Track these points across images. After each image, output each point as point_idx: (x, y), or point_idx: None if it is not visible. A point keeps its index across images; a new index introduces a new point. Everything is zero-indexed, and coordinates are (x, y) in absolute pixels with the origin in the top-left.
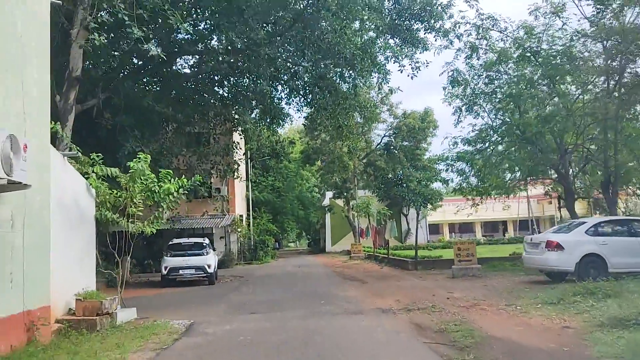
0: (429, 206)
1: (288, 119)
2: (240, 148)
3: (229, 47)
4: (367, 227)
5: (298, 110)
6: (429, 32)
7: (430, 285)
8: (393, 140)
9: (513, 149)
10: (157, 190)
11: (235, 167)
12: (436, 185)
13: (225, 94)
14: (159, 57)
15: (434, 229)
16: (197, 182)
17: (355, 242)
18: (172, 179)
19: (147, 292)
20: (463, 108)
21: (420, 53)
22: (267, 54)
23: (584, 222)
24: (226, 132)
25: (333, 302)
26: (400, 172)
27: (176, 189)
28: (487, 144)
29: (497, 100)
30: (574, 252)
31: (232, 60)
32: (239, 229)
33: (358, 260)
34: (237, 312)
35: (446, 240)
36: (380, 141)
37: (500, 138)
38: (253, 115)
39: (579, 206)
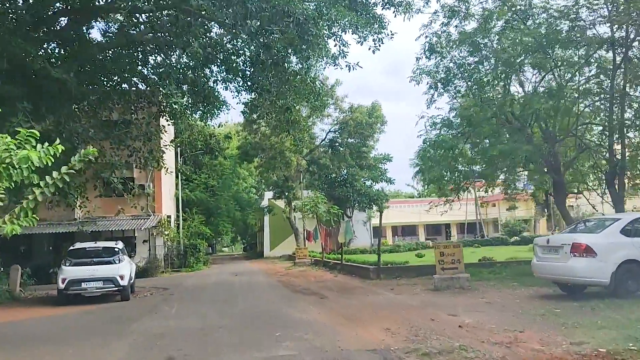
0: (375, 208)
1: (225, 107)
2: (166, 131)
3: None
4: (316, 229)
5: (237, 94)
6: (388, 8)
7: (414, 302)
8: (339, 136)
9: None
10: (14, 164)
11: (160, 155)
12: (381, 185)
13: (150, 74)
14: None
15: (376, 231)
16: (89, 157)
17: (299, 246)
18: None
19: (38, 312)
20: (439, 84)
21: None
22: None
23: (617, 219)
24: (151, 116)
25: (293, 333)
26: (345, 171)
27: (44, 159)
28: (474, 128)
29: (482, 75)
30: (609, 258)
31: (158, 34)
32: (166, 232)
33: (304, 266)
34: (144, 357)
35: (390, 244)
36: (325, 137)
37: (492, 117)
38: (184, 101)
39: (523, 207)
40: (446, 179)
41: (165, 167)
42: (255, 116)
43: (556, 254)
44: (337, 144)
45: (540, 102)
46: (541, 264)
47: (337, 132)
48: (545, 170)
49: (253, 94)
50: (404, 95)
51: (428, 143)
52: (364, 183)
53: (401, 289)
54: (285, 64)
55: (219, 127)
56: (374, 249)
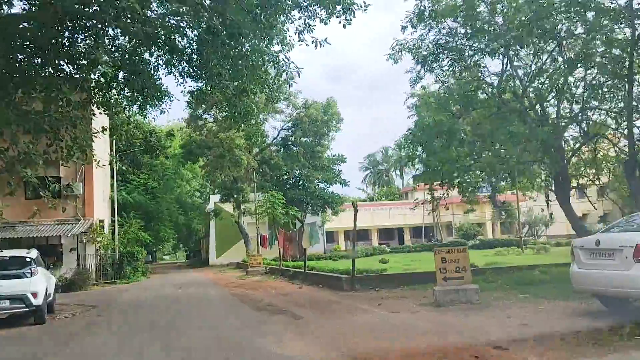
0: (329, 211)
1: (167, 97)
2: (96, 115)
3: None
4: (272, 233)
5: (182, 81)
6: None
7: (422, 324)
8: (292, 134)
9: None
10: None
11: (87, 143)
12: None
13: (80, 57)
14: None
15: (329, 236)
16: None
17: (250, 252)
18: None
19: None
20: (429, 58)
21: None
22: None
23: None
24: (78, 105)
25: None
26: (298, 171)
27: None
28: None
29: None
30: None
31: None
32: (98, 239)
33: (258, 276)
34: None
35: (342, 249)
36: (277, 135)
37: (489, 98)
38: (118, 91)
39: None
40: (455, 174)
41: (95, 160)
42: (201, 110)
43: (610, 259)
44: (290, 143)
45: (546, 80)
46: (586, 272)
47: (290, 130)
48: (547, 161)
49: (200, 81)
50: (348, 100)
51: (418, 127)
52: (318, 185)
53: (391, 305)
54: (242, 39)
55: (158, 108)
56: (329, 254)
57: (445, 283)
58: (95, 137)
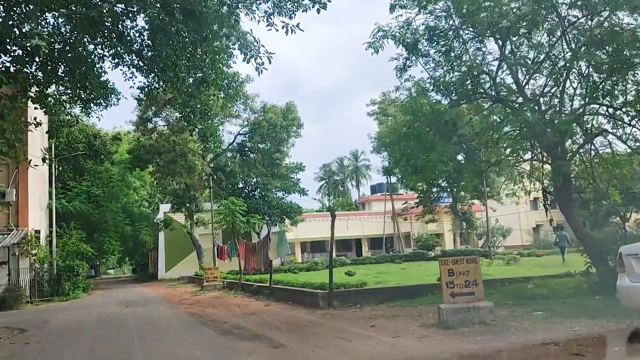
0: (287, 221)
1: (113, 95)
2: (30, 108)
3: None
4: (231, 244)
5: (130, 76)
6: None
7: (438, 353)
8: (248, 140)
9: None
10: None
11: (17, 138)
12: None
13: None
14: None
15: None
16: None
17: (202, 266)
18: None
19: None
20: (423, 39)
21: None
22: None
23: None
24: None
25: None
26: (255, 179)
27: None
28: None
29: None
30: None
31: None
32: (33, 251)
33: (215, 291)
34: None
35: (298, 261)
36: (233, 140)
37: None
38: (58, 88)
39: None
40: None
41: (27, 160)
42: (151, 113)
43: None
44: (246, 149)
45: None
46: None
47: (247, 136)
48: (549, 161)
49: (151, 76)
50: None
51: (412, 116)
52: (275, 194)
53: (387, 327)
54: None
55: (104, 107)
56: (286, 267)
57: (453, 300)
58: (28, 130)
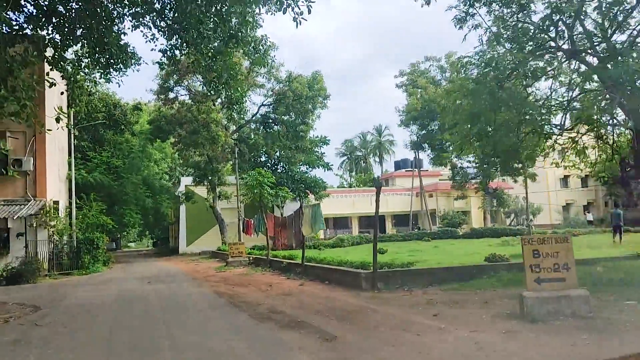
0: (312, 196)
1: (134, 60)
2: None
3: None
4: (259, 218)
5: (151, 37)
6: None
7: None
8: (272, 111)
9: None
10: None
11: (29, 96)
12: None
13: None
14: None
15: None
16: None
17: (226, 240)
18: None
19: None
20: None
21: None
22: None
23: None
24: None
25: None
26: (278, 152)
27: None
28: None
29: None
30: None
31: None
32: (52, 223)
33: (241, 267)
34: None
35: (321, 238)
36: (257, 112)
37: None
38: (77, 51)
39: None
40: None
41: (40, 124)
42: (172, 81)
43: None
44: (270, 121)
45: None
46: None
47: (271, 107)
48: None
49: (175, 38)
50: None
51: (485, 68)
52: (299, 168)
53: (455, 316)
54: None
55: (123, 73)
56: (310, 244)
57: (539, 287)
58: (43, 91)
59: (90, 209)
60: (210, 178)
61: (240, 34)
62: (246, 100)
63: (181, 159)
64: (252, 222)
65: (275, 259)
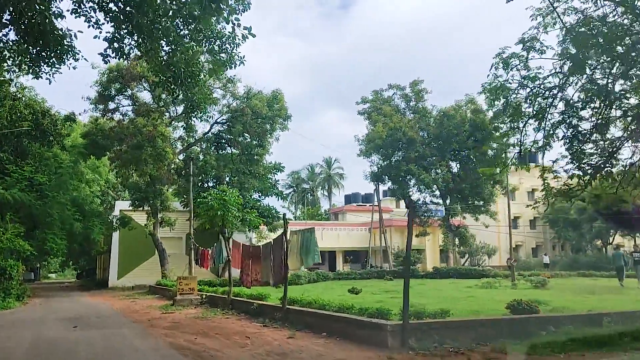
0: (263, 227)
1: (70, 53)
2: None
3: None
4: (219, 248)
5: (94, 24)
6: None
7: None
8: (227, 130)
9: None
10: None
11: None
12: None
13: None
14: None
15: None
16: None
17: (166, 273)
18: None
19: None
20: None
21: None
22: None
23: None
24: None
25: None
26: (228, 177)
27: None
28: None
29: None
30: None
31: None
32: None
33: (193, 307)
34: None
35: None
36: (209, 129)
37: None
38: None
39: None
40: None
41: None
42: (114, 90)
43: None
44: (223, 141)
45: None
46: None
47: (225, 125)
48: None
49: (124, 25)
50: None
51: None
52: (251, 196)
53: None
54: None
55: (56, 69)
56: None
57: None
58: None
59: (5, 231)
60: (151, 201)
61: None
62: (208, 107)
63: (119, 178)
64: (210, 252)
65: (239, 298)
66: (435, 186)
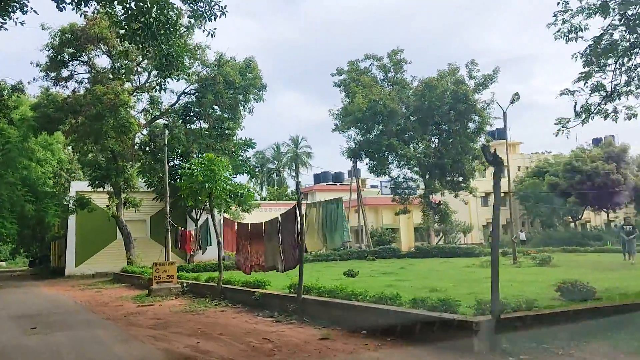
0: (235, 208)
1: (18, 4)
2: None
3: None
4: (206, 227)
5: None
6: None
7: None
8: (196, 101)
9: None
10: None
11: None
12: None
13: None
14: None
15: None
16: None
17: (132, 258)
18: None
19: None
20: None
21: None
22: None
23: None
24: None
25: None
26: (197, 154)
27: None
28: None
29: None
30: None
31: None
32: None
33: (173, 297)
34: None
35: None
36: (176, 101)
37: None
38: None
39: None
40: None
41: None
42: (68, 55)
43: None
44: (191, 114)
45: None
46: None
47: (194, 96)
48: None
49: None
50: None
51: None
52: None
53: None
54: None
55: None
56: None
57: None
58: None
59: None
60: (113, 180)
61: None
62: (189, 61)
63: (76, 154)
64: (192, 233)
65: (230, 286)
66: (415, 162)
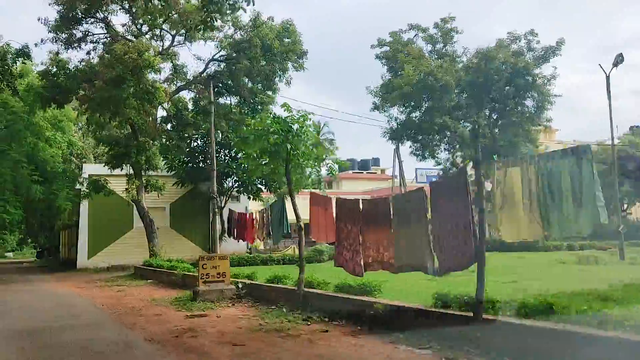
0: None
1: None
2: None
3: None
4: (280, 208)
5: None
6: None
7: None
8: (226, 70)
9: None
10: None
11: None
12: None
13: None
14: None
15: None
16: None
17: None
18: None
19: None
20: None
21: None
22: None
23: None
24: None
25: None
26: (222, 132)
27: None
28: None
29: None
30: None
31: None
32: None
33: (229, 304)
34: None
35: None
36: (204, 70)
37: None
38: None
39: None
40: None
41: None
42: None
43: None
44: (220, 86)
45: None
46: None
47: (222, 65)
48: None
49: None
50: None
51: None
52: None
53: None
54: None
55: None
56: (251, 256)
57: None
58: None
59: None
60: (134, 159)
61: None
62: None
63: (90, 127)
64: (258, 217)
65: (316, 291)
66: (470, 142)
